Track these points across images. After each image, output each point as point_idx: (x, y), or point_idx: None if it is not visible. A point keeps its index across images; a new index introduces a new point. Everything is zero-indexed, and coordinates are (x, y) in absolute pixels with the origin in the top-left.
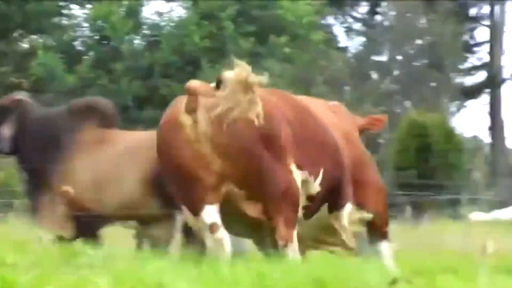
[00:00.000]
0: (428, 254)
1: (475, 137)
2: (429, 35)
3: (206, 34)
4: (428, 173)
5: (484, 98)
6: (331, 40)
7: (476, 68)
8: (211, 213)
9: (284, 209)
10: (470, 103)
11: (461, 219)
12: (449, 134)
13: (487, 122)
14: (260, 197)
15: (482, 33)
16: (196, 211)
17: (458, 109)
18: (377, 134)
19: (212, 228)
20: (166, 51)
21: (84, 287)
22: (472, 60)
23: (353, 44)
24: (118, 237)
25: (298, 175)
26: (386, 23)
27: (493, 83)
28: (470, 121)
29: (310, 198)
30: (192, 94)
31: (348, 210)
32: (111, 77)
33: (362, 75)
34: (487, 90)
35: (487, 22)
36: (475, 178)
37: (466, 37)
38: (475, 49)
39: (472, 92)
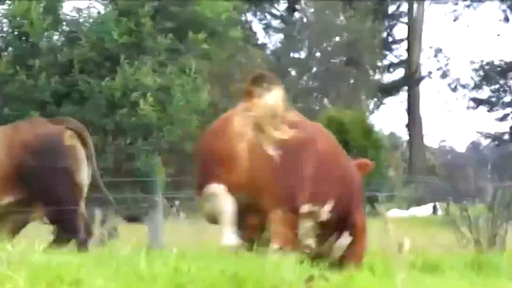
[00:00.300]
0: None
1: (393, 134)
2: (348, 32)
3: (124, 31)
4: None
5: (402, 95)
6: (250, 36)
7: (394, 65)
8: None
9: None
10: (388, 100)
11: (379, 217)
12: (368, 131)
13: (405, 119)
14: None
15: (400, 30)
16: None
17: (377, 106)
18: None
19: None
20: (85, 47)
21: (1, 282)
22: (391, 58)
23: (272, 41)
24: None
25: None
26: (304, 20)
27: (411, 80)
28: (388, 118)
29: (321, 225)
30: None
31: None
32: (29, 73)
33: (280, 72)
34: (405, 88)
35: (405, 20)
36: (391, 175)
37: (384, 34)
38: (393, 46)
39: (390, 89)
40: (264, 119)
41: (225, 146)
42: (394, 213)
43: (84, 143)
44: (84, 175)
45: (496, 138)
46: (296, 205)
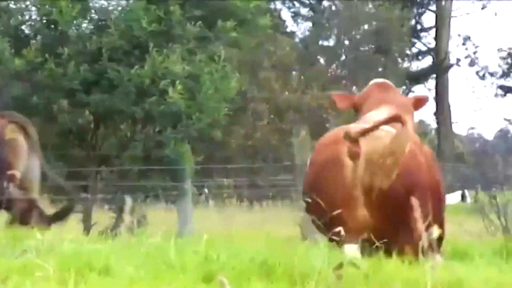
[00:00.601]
0: None
1: (421, 122)
2: (376, 20)
3: (153, 19)
4: None
5: (431, 83)
6: (278, 25)
7: (422, 53)
8: (350, 251)
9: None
10: (416, 88)
11: None
12: None
13: (433, 107)
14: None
15: (429, 18)
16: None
17: (405, 94)
18: (326, 119)
19: None
20: (114, 35)
21: (30, 271)
22: (419, 46)
23: (301, 29)
24: None
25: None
26: (333, 8)
27: (439, 68)
28: None
29: None
30: (354, 141)
31: None
32: (58, 61)
33: (309, 60)
34: (434, 75)
35: (433, 8)
36: None
37: (413, 22)
38: (422, 34)
39: (418, 77)
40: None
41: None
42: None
43: (28, 136)
44: (24, 167)
45: None
46: None
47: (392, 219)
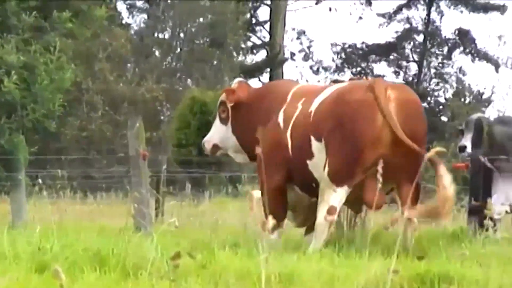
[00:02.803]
0: (208, 231)
1: None
2: (212, 13)
3: None
4: None
5: (265, 77)
6: (114, 16)
7: (257, 47)
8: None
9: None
10: (251, 81)
11: (242, 197)
12: None
13: None
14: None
15: (264, 12)
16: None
17: None
18: (158, 112)
19: (330, 210)
20: None
21: None
22: (254, 39)
23: (136, 21)
24: None
25: None
26: (168, 0)
27: (274, 62)
28: None
29: None
30: None
31: None
32: None
33: (144, 52)
34: (268, 69)
35: (268, 2)
36: None
37: (248, 16)
38: (257, 28)
39: (253, 71)
40: None
41: None
42: (258, 194)
43: None
44: None
45: None
46: None
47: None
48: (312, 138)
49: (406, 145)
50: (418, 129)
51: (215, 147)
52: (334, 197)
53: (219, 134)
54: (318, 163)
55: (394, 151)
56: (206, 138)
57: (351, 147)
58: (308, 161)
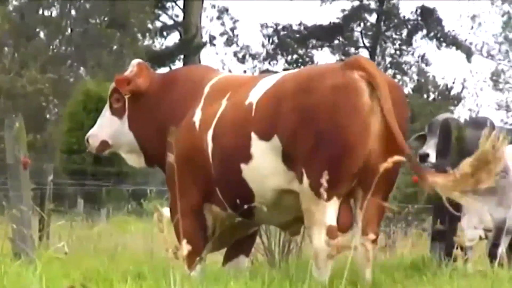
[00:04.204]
0: (105, 258)
1: None
2: None
3: None
4: (107, 158)
5: (179, 65)
6: None
7: (168, 28)
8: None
9: None
10: (161, 70)
11: (147, 216)
12: None
13: None
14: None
15: None
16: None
17: None
18: (44, 109)
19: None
20: None
21: None
22: (164, 19)
23: None
24: None
25: None
26: None
27: (189, 47)
28: None
29: None
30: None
31: None
32: None
33: (26, 34)
34: (182, 56)
35: None
36: None
37: None
38: (167, 5)
39: (163, 58)
40: None
41: None
42: (167, 211)
43: None
44: None
45: None
46: None
47: None
48: (254, 136)
49: (392, 141)
50: (402, 122)
51: (104, 144)
52: (328, 213)
53: (110, 128)
54: (258, 168)
55: (380, 147)
56: (91, 132)
57: (335, 146)
58: (242, 165)
